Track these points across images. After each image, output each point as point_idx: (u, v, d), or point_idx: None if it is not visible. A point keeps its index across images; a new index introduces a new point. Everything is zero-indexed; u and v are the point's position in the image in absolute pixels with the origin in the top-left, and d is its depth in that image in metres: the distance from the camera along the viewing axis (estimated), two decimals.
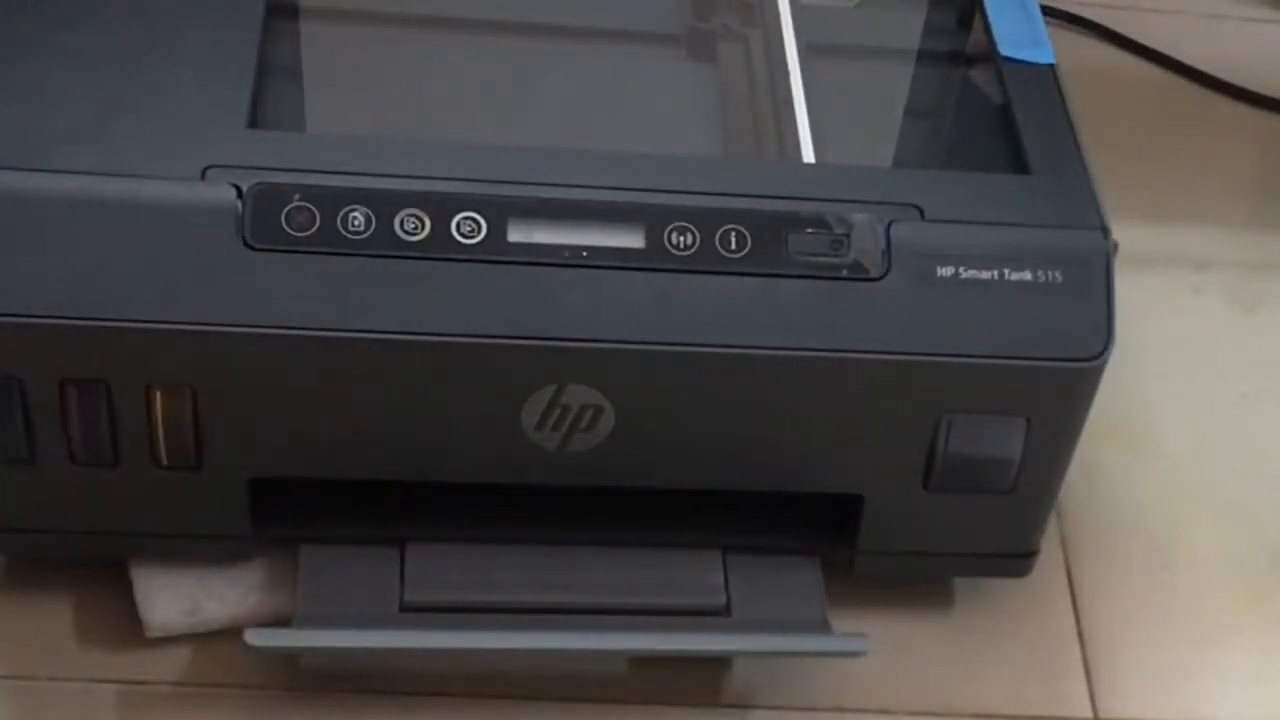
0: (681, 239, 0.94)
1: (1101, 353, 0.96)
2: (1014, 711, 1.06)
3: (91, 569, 1.02)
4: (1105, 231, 0.97)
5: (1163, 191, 1.20)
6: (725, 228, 0.94)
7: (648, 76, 1.12)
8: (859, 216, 0.96)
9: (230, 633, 1.00)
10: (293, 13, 1.09)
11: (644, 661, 1.04)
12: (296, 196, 0.92)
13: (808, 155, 1.03)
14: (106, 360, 0.91)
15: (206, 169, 0.92)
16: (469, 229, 0.93)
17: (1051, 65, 1.08)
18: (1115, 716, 1.07)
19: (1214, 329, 1.28)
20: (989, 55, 1.09)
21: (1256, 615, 1.14)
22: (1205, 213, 1.30)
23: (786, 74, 1.08)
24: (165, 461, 0.95)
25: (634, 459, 0.98)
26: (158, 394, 0.92)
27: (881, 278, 0.95)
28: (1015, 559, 1.06)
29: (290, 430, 0.95)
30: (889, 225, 0.95)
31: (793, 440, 0.98)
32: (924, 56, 1.17)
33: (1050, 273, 0.96)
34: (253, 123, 0.96)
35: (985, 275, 0.96)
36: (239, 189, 0.91)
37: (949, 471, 0.99)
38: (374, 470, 0.98)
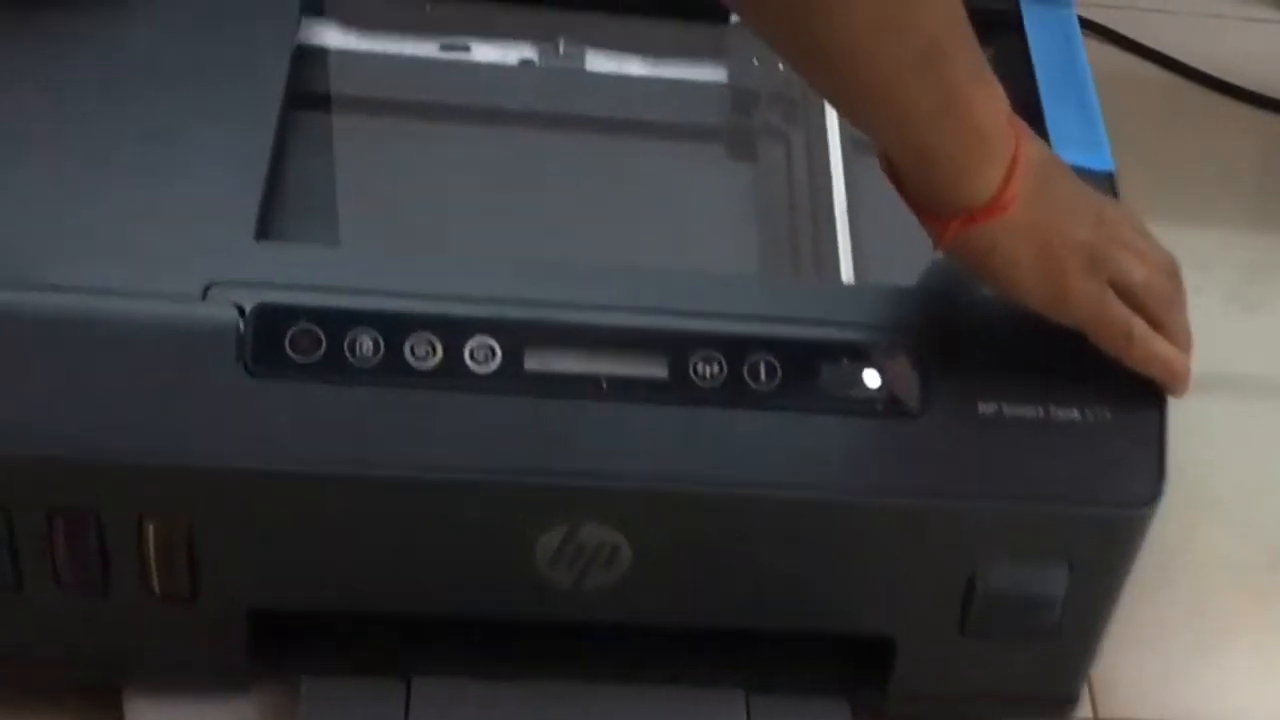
0: (708, 369, 0.89)
1: (1153, 499, 0.91)
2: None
3: (84, 697, 0.97)
4: None
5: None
6: (755, 357, 0.89)
7: (681, 178, 1.07)
8: (897, 347, 0.91)
9: None
10: (311, 109, 1.04)
11: None
12: (302, 319, 0.87)
13: (847, 274, 0.98)
14: (97, 491, 0.87)
15: (209, 286, 0.87)
16: (483, 356, 0.88)
17: (1110, 173, 1.03)
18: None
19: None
20: None
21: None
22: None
23: (829, 180, 1.03)
24: (159, 591, 0.90)
25: (653, 597, 0.93)
26: (150, 526, 0.88)
27: (919, 414, 0.90)
28: (1055, 703, 1.01)
29: (291, 564, 0.91)
30: (930, 356, 0.91)
31: (821, 582, 0.93)
32: None
33: (1099, 410, 0.91)
34: (261, 233, 0.91)
35: (1030, 413, 0.91)
36: (241, 309, 0.87)
37: (986, 617, 0.94)
38: (378, 605, 0.93)
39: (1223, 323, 1.30)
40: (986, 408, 0.90)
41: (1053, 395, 0.91)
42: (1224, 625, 1.11)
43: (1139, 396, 0.92)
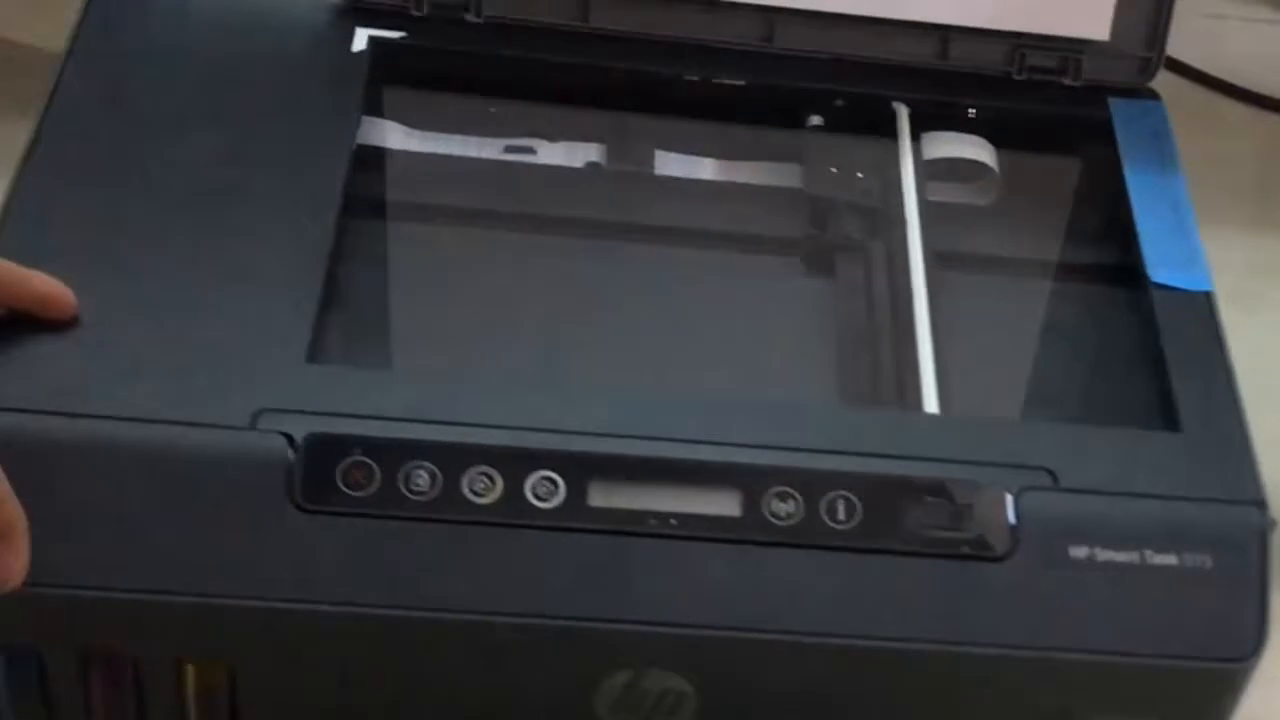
0: (783, 506, 0.84)
1: (1254, 653, 0.85)
2: None
3: None
4: (1261, 506, 0.87)
5: None
6: (833, 494, 0.84)
7: (753, 294, 1.01)
8: (984, 485, 0.85)
9: None
10: (369, 216, 1.00)
11: None
12: (357, 450, 0.82)
13: (930, 404, 0.92)
14: (135, 634, 0.82)
15: (258, 414, 0.83)
16: (545, 491, 0.83)
17: (1208, 292, 0.97)
18: None
19: None
20: (1138, 278, 0.99)
21: None
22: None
23: (910, 298, 0.97)
24: None
25: None
26: (190, 668, 0.83)
27: (1006, 557, 0.84)
28: None
29: (339, 709, 0.85)
30: (1019, 495, 0.85)
31: None
32: (1064, 276, 1.06)
33: (1198, 556, 0.85)
34: (314, 354, 0.86)
35: (1124, 558, 0.85)
36: (291, 439, 0.82)
37: None
38: None
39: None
40: (1078, 551, 0.85)
41: (1149, 539, 0.85)
42: None
43: (1240, 543, 0.86)
